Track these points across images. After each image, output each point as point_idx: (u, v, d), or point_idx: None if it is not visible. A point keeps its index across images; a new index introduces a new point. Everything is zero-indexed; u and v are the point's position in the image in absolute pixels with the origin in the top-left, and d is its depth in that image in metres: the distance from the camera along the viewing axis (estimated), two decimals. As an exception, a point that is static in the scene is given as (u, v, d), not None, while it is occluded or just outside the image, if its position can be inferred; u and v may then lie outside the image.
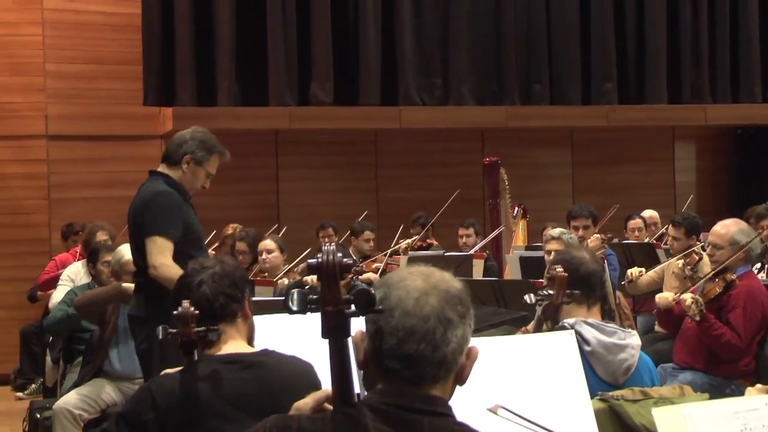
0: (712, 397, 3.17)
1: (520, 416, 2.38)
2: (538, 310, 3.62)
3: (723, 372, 5.12)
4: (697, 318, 4.98)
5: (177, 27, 9.70)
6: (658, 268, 6.80)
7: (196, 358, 2.76)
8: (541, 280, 4.56)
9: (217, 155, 4.66)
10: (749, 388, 3.02)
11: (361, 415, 1.88)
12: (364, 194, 10.66)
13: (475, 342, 1.97)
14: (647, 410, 2.96)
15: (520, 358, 2.94)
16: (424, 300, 1.90)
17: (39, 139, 9.78)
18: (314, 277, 6.25)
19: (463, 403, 2.09)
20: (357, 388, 1.97)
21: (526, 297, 3.67)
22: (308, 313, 1.96)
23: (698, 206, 10.87)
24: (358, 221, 9.19)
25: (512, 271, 7.32)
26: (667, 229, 7.45)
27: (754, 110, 11.46)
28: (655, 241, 8.24)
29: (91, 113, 9.84)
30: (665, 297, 5.45)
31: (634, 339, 3.54)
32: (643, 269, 6.68)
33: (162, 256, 4.33)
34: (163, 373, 2.87)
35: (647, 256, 7.49)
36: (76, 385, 5.63)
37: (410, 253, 8.20)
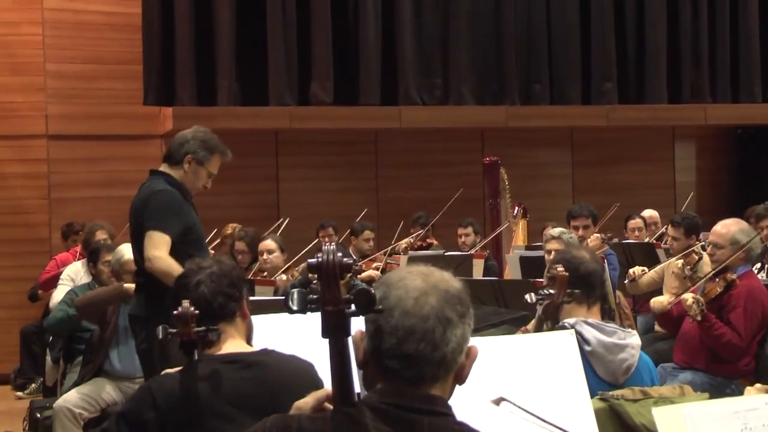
0: (712, 397, 3.17)
1: (522, 408, 2.39)
2: (539, 309, 3.62)
3: (723, 372, 5.12)
4: (699, 318, 4.98)
5: (177, 27, 9.70)
6: (658, 267, 6.79)
7: (196, 357, 2.76)
8: (541, 280, 4.56)
9: (218, 155, 4.66)
10: (748, 388, 3.02)
11: (361, 414, 1.88)
12: (364, 194, 10.66)
13: (475, 341, 1.97)
14: (647, 410, 2.96)
15: (521, 358, 2.94)
16: (423, 299, 1.90)
17: (39, 138, 9.78)
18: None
19: (463, 402, 2.09)
20: (357, 387, 1.97)
21: (527, 296, 3.68)
22: (308, 313, 1.96)
23: (698, 206, 10.87)
24: (358, 221, 9.19)
25: (512, 271, 7.32)
26: (667, 228, 7.45)
27: (754, 110, 11.45)
28: (655, 241, 8.24)
29: (91, 113, 9.84)
30: (660, 301, 5.45)
31: (634, 339, 3.54)
32: (645, 268, 6.68)
33: (156, 249, 4.33)
34: (163, 372, 2.87)
35: (647, 256, 7.49)
36: (76, 384, 5.63)
37: (410, 252, 8.20)
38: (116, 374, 5.55)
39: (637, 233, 8.66)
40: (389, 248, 8.18)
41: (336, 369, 1.94)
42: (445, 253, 8.16)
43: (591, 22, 11.05)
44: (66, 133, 9.78)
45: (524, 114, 10.79)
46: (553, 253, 5.47)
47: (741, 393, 3.46)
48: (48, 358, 7.19)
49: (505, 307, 5.59)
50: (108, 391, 5.51)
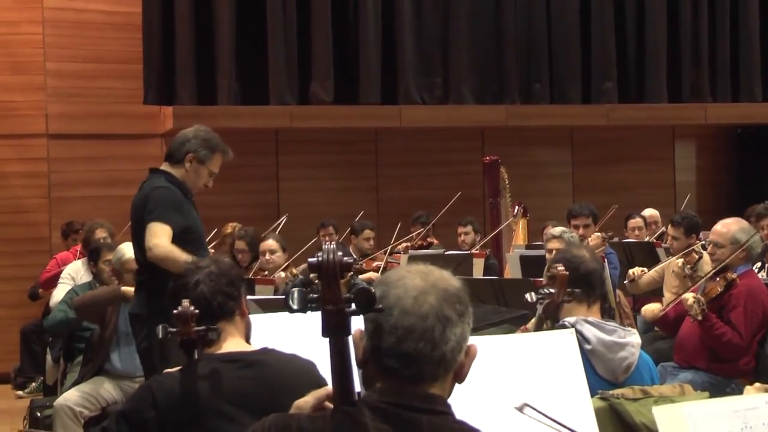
0: (712, 396, 3.17)
1: (545, 415, 2.39)
2: (539, 308, 3.62)
3: (723, 371, 5.12)
4: (699, 318, 4.98)
5: (177, 26, 9.70)
6: (658, 267, 6.80)
7: (196, 356, 2.77)
8: (541, 279, 4.56)
9: (219, 154, 4.66)
10: (748, 387, 3.02)
11: (361, 413, 1.88)
12: (365, 193, 10.66)
13: (475, 341, 1.97)
14: (647, 409, 2.96)
15: (521, 357, 2.95)
16: (422, 298, 1.90)
17: (39, 137, 9.78)
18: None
19: (463, 402, 2.09)
20: (358, 386, 1.97)
21: (527, 295, 3.68)
22: (308, 312, 1.96)
23: (698, 205, 10.88)
24: (358, 220, 9.20)
25: (512, 270, 7.32)
26: (667, 228, 7.45)
27: (754, 109, 11.45)
28: (655, 240, 8.24)
29: (91, 112, 9.84)
30: (651, 309, 5.43)
31: (634, 337, 3.55)
32: (645, 268, 6.68)
33: (156, 238, 4.33)
34: (163, 371, 2.87)
35: (647, 255, 7.49)
36: (76, 383, 5.63)
37: (410, 251, 8.21)
38: (116, 373, 5.55)
39: (637, 232, 8.66)
40: (389, 247, 8.18)
41: (336, 368, 1.94)
42: (445, 252, 8.16)
43: (591, 22, 11.05)
44: (66, 133, 9.78)
45: (524, 113, 10.79)
46: (554, 252, 5.47)
47: (741, 392, 3.46)
48: (48, 357, 7.20)
49: (505, 306, 5.59)
50: (108, 390, 5.51)
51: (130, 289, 5.27)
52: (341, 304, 1.91)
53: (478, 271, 7.55)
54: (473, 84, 10.71)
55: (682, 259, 6.41)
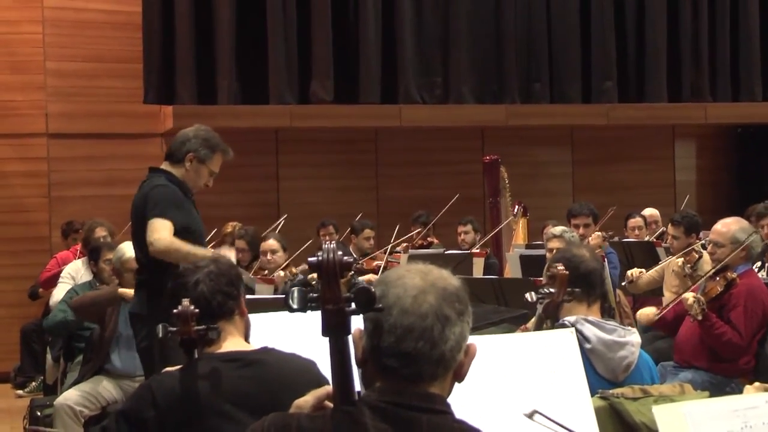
0: (712, 395, 3.17)
1: (555, 422, 2.39)
2: (539, 308, 3.62)
3: (723, 370, 5.12)
4: (699, 317, 4.97)
5: (177, 25, 9.70)
6: (658, 266, 6.80)
7: (196, 356, 2.77)
8: (541, 279, 4.56)
9: (220, 153, 4.67)
10: (747, 386, 3.03)
11: (360, 413, 1.88)
12: (365, 192, 10.66)
13: (475, 340, 1.97)
14: (647, 408, 2.96)
15: (521, 356, 2.95)
16: (421, 298, 1.89)
17: (39, 137, 9.78)
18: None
19: (462, 401, 2.09)
20: (358, 386, 1.97)
21: (527, 295, 3.68)
22: (308, 311, 1.96)
23: (698, 205, 10.88)
24: (358, 219, 9.20)
25: (512, 270, 7.32)
26: (667, 227, 7.46)
27: (754, 109, 11.46)
28: (655, 240, 8.24)
29: (91, 111, 9.84)
30: (646, 314, 5.42)
31: (634, 336, 3.55)
32: (643, 270, 6.69)
33: (157, 233, 4.33)
34: (163, 371, 2.87)
35: (647, 255, 7.49)
36: (76, 382, 5.63)
37: (410, 251, 8.21)
38: (116, 372, 5.55)
39: (637, 232, 8.66)
40: (389, 247, 8.19)
41: (336, 367, 1.94)
42: (446, 252, 8.16)
43: (591, 21, 11.06)
44: (66, 132, 9.79)
45: (524, 113, 10.79)
46: (554, 251, 5.47)
47: (741, 391, 3.46)
48: (48, 357, 7.20)
49: (505, 306, 5.59)
50: (108, 389, 5.51)
51: (127, 291, 5.29)
52: (341, 303, 1.90)
53: (478, 270, 7.55)
54: (473, 83, 10.71)
55: (682, 259, 6.41)
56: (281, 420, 1.96)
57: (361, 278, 6.98)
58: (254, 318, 3.01)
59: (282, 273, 6.65)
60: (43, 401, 6.15)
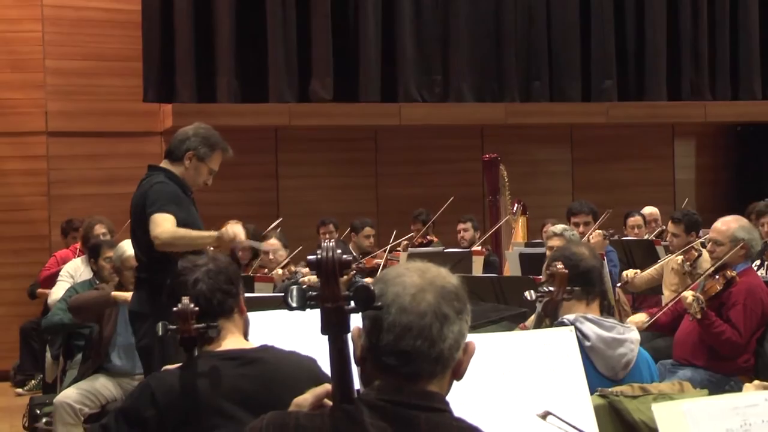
0: (711, 393, 3.17)
1: (568, 423, 2.39)
2: (539, 306, 3.63)
3: (722, 368, 5.12)
4: (698, 316, 4.97)
5: (177, 23, 9.69)
6: (657, 265, 6.80)
7: (195, 354, 2.77)
8: (540, 277, 4.56)
9: (219, 152, 4.67)
10: (746, 384, 3.03)
11: (359, 411, 1.88)
12: (364, 191, 10.66)
13: (474, 338, 1.97)
14: (647, 406, 2.96)
15: (520, 354, 2.95)
16: (420, 296, 1.89)
17: (39, 135, 9.78)
18: (311, 277, 6.31)
19: (461, 399, 2.09)
20: (357, 384, 1.97)
21: (527, 293, 3.68)
22: (307, 310, 1.96)
23: (698, 203, 10.89)
24: (358, 218, 9.20)
25: (512, 268, 7.32)
26: (666, 225, 7.46)
27: (754, 107, 11.46)
28: (654, 238, 8.24)
29: (90, 110, 9.83)
30: (636, 322, 5.37)
31: (633, 334, 3.55)
32: (638, 270, 6.70)
33: (159, 227, 4.33)
34: (163, 369, 2.87)
35: (647, 253, 7.49)
36: (76, 381, 5.63)
37: (410, 249, 8.21)
38: (116, 371, 5.55)
39: (636, 230, 8.65)
40: (389, 245, 8.19)
41: (335, 366, 1.94)
42: (445, 250, 8.16)
43: (591, 20, 11.05)
44: (66, 130, 9.78)
45: (524, 111, 10.79)
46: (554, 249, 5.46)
47: (740, 389, 3.46)
48: (48, 355, 7.20)
49: (504, 304, 5.59)
50: (108, 388, 5.51)
51: (121, 294, 5.30)
52: (340, 301, 1.90)
53: (477, 268, 7.55)
54: (473, 82, 10.71)
55: (681, 257, 6.41)
56: (280, 418, 1.96)
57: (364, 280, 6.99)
58: (253, 316, 3.01)
59: (280, 271, 6.65)
60: (42, 399, 6.15)
